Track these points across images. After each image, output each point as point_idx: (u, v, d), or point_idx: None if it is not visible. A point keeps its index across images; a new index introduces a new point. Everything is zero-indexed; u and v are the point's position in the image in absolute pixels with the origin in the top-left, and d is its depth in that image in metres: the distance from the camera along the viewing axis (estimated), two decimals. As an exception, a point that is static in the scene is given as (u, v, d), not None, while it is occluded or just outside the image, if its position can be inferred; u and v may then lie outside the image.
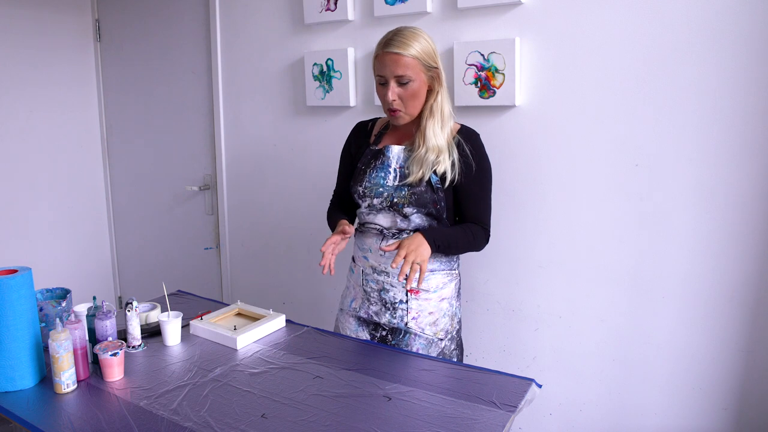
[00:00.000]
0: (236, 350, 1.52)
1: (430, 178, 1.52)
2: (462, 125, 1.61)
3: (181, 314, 1.60)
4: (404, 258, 1.39)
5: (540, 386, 1.35)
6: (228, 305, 1.82)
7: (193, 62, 2.72)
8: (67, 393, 1.31)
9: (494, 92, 1.88)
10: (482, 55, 1.87)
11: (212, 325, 1.62)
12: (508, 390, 1.31)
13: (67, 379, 1.30)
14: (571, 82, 1.79)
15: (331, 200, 1.81)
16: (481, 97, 1.90)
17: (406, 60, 1.46)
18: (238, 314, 1.76)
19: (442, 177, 1.52)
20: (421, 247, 1.43)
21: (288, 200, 2.51)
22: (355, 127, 1.76)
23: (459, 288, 1.69)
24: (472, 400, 1.26)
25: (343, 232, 1.53)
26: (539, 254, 1.93)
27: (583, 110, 1.79)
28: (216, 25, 2.58)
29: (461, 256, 1.70)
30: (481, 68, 1.89)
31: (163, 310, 1.71)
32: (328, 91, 2.25)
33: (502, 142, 1.93)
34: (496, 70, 1.86)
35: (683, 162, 1.67)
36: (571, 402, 1.97)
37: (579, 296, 1.89)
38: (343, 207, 1.75)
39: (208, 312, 1.75)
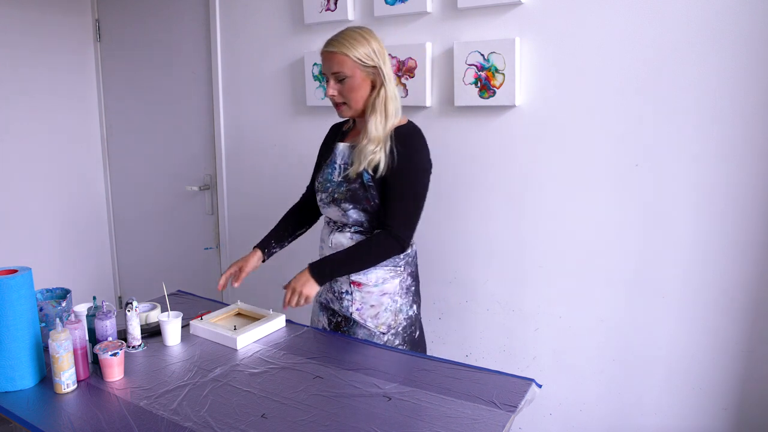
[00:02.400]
0: (236, 350, 1.52)
1: (362, 176, 1.56)
2: (408, 121, 1.64)
3: (181, 314, 1.60)
4: (292, 293, 1.58)
5: (540, 386, 1.35)
6: (228, 305, 1.82)
7: (193, 62, 2.72)
8: (67, 393, 1.31)
9: (494, 92, 1.88)
10: (482, 55, 1.87)
11: (212, 325, 1.61)
12: (508, 390, 1.31)
13: (67, 379, 1.30)
14: (571, 82, 1.79)
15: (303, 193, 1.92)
16: (481, 97, 1.90)
17: (339, 57, 1.54)
18: (238, 314, 1.75)
19: (375, 169, 1.55)
20: (307, 285, 1.57)
21: (288, 200, 2.50)
22: (330, 128, 1.84)
23: (409, 286, 1.68)
24: (472, 400, 1.26)
25: (240, 270, 1.72)
26: (539, 254, 1.93)
27: (583, 110, 1.79)
28: (216, 25, 2.58)
29: (420, 249, 1.80)
30: (481, 68, 1.89)
31: (163, 310, 1.71)
32: (328, 91, 2.25)
33: (502, 142, 1.93)
34: (496, 70, 1.86)
35: (683, 162, 1.67)
36: (571, 402, 1.97)
37: (579, 296, 1.89)
38: (307, 205, 1.87)
39: (208, 312, 1.75)
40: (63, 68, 2.96)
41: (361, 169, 1.56)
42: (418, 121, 2.08)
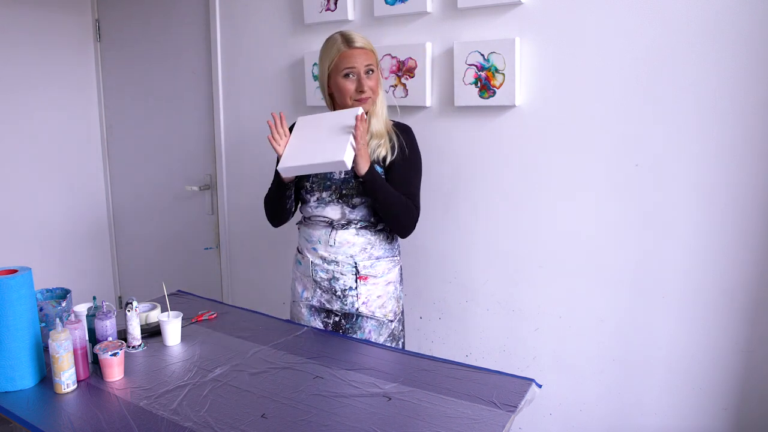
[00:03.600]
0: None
1: (374, 168, 1.61)
2: (394, 121, 1.76)
3: (181, 314, 1.60)
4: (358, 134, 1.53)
5: (540, 386, 1.35)
6: (226, 304, 1.81)
7: (193, 62, 2.72)
8: (67, 393, 1.31)
9: (494, 92, 1.88)
10: (482, 55, 1.87)
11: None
12: (508, 390, 1.31)
13: (67, 379, 1.30)
14: (571, 82, 1.79)
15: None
16: (481, 97, 1.90)
17: (370, 54, 1.68)
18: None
19: (384, 160, 1.66)
20: (364, 158, 1.55)
21: (288, 200, 2.51)
22: (297, 122, 1.77)
23: (401, 274, 1.82)
24: (472, 400, 1.26)
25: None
26: (539, 254, 1.93)
27: (583, 110, 1.79)
28: (216, 25, 2.58)
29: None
30: (481, 68, 1.89)
31: (163, 310, 1.71)
32: (328, 91, 2.25)
33: (502, 142, 1.93)
34: (496, 70, 1.86)
35: (683, 162, 1.67)
36: (571, 402, 1.97)
37: (579, 296, 1.89)
38: None
39: (208, 312, 1.76)
40: (63, 68, 2.96)
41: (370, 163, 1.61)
42: (418, 120, 2.08)
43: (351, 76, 1.64)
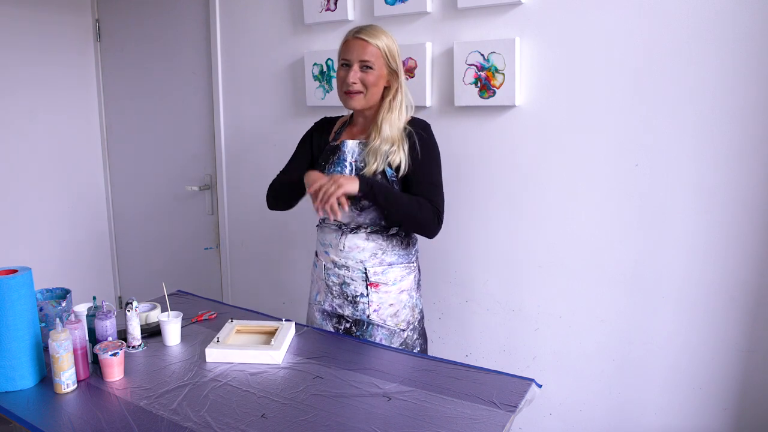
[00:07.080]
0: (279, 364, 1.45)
1: (385, 171, 1.57)
2: (413, 117, 1.67)
3: (181, 314, 1.60)
4: (328, 180, 1.48)
5: (540, 386, 1.35)
6: (226, 304, 1.81)
7: (194, 62, 2.72)
8: (67, 393, 1.31)
9: (494, 92, 1.88)
10: (482, 55, 1.87)
11: (239, 348, 1.48)
12: (508, 390, 1.31)
13: (67, 379, 1.30)
14: (571, 82, 1.79)
15: (273, 180, 1.78)
16: (481, 97, 1.90)
17: (373, 48, 1.57)
18: (238, 332, 1.62)
19: (397, 168, 1.58)
20: (348, 180, 1.47)
21: (288, 200, 2.51)
22: (320, 120, 1.80)
23: (419, 280, 1.74)
24: (472, 400, 1.26)
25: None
26: (539, 254, 1.93)
27: (583, 110, 1.79)
28: (216, 25, 2.58)
29: (420, 250, 1.76)
30: (481, 68, 1.89)
31: (163, 310, 1.71)
32: (328, 91, 2.25)
33: (502, 142, 1.93)
34: (496, 70, 1.86)
35: (683, 162, 1.67)
36: (571, 402, 1.97)
37: (579, 296, 1.89)
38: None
39: (208, 312, 1.75)
40: (63, 68, 2.96)
41: (381, 168, 1.56)
42: (418, 121, 2.08)
43: (346, 66, 1.59)
